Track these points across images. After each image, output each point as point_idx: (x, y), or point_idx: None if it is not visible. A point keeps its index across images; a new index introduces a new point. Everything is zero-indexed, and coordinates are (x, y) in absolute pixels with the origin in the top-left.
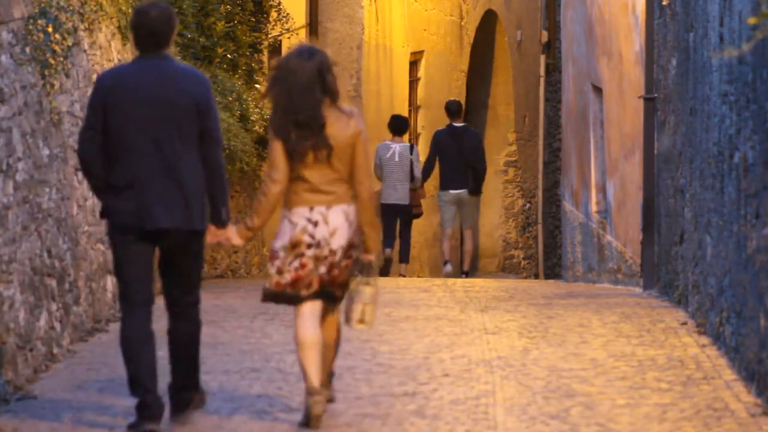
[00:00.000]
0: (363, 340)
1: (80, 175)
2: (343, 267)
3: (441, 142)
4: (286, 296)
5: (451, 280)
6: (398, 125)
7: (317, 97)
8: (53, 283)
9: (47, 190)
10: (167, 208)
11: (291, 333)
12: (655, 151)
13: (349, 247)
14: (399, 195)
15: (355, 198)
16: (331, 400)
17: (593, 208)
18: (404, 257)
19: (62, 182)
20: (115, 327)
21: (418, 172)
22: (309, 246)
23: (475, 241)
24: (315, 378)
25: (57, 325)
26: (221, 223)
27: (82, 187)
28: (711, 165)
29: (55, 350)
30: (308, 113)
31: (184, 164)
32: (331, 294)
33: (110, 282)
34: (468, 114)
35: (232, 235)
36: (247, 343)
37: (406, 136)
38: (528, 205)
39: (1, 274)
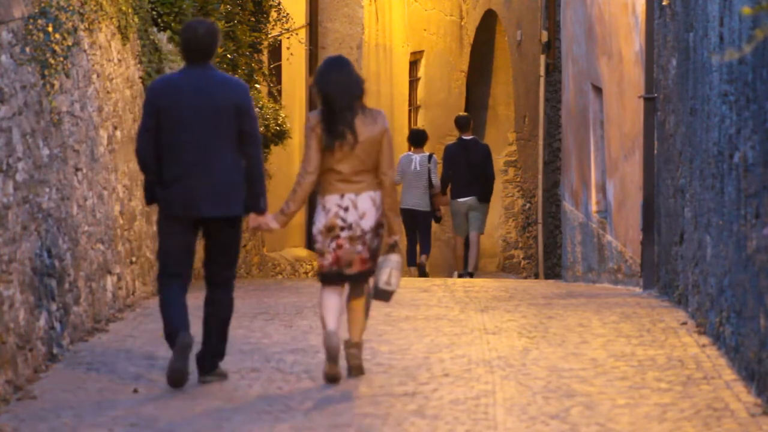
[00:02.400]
0: (363, 340)
1: (80, 175)
2: (376, 245)
3: (452, 155)
4: (332, 274)
5: (451, 280)
6: (417, 138)
7: (354, 102)
8: (53, 283)
9: (47, 190)
10: (210, 199)
11: (291, 333)
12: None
13: (378, 226)
14: (417, 201)
15: (380, 185)
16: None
17: (593, 208)
18: (425, 249)
19: (62, 182)
20: (115, 327)
21: (435, 179)
22: (342, 228)
23: (479, 245)
24: (332, 323)
25: (57, 325)
26: (260, 211)
27: (82, 187)
28: (711, 165)
29: (55, 350)
30: (347, 115)
31: (224, 160)
32: (371, 274)
33: (110, 282)
34: (468, 114)
35: (270, 220)
36: (247, 343)
37: (424, 147)
38: (528, 205)
39: (1, 273)
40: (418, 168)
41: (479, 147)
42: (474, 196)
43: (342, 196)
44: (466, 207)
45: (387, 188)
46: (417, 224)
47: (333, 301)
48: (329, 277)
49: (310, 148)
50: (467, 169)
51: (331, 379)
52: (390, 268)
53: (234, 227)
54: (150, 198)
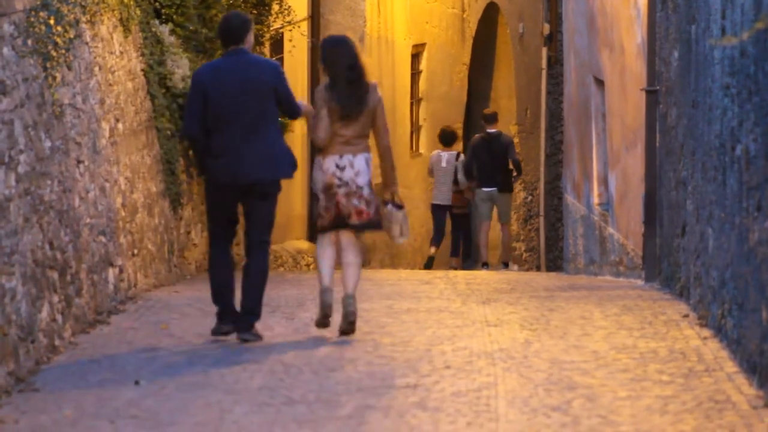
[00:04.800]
0: (365, 332)
1: (82, 167)
2: (373, 198)
3: (476, 147)
4: (332, 226)
5: (453, 272)
6: (447, 138)
7: (360, 73)
8: (55, 275)
9: (49, 182)
10: (252, 167)
11: (292, 325)
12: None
13: (372, 183)
14: (446, 197)
15: (378, 149)
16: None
17: (595, 200)
18: (455, 252)
19: (64, 174)
20: (116, 319)
21: (461, 177)
22: (339, 186)
23: (509, 234)
24: (327, 280)
25: (59, 317)
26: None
27: (83, 179)
28: (713, 157)
29: (57, 342)
30: (354, 85)
31: (265, 131)
32: (373, 224)
33: (112, 274)
34: (470, 107)
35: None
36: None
37: (454, 146)
38: (530, 197)
39: (3, 266)
40: (445, 165)
41: (502, 139)
42: (496, 187)
43: (341, 156)
44: (490, 196)
45: (384, 150)
46: (455, 220)
47: (328, 254)
48: (328, 228)
49: (321, 115)
50: (490, 161)
51: (321, 324)
52: (399, 224)
53: (272, 195)
54: (201, 170)
